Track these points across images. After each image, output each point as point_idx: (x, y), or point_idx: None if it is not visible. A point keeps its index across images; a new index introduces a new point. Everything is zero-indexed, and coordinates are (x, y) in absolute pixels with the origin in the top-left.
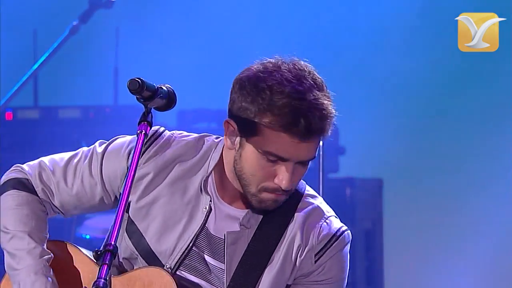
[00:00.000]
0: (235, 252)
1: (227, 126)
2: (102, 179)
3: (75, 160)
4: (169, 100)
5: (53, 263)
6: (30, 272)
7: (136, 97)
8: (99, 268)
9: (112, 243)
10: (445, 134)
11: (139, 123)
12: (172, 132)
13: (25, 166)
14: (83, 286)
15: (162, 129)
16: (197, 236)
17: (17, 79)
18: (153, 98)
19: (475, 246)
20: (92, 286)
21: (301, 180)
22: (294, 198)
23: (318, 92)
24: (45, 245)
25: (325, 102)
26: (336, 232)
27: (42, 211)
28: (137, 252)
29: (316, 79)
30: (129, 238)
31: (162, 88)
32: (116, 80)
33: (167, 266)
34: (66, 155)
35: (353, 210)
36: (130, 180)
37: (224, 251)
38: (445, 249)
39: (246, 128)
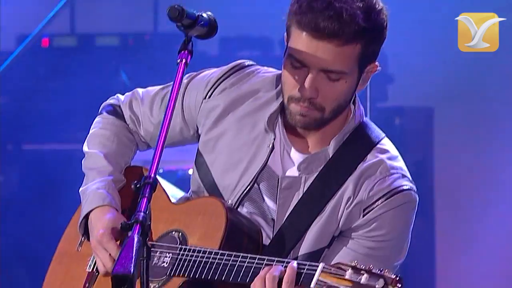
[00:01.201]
0: (288, 197)
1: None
2: (182, 109)
3: (164, 91)
4: (210, 28)
5: (126, 187)
6: (94, 188)
7: (176, 24)
8: (139, 201)
9: (152, 175)
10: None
11: (179, 52)
12: (258, 67)
13: (122, 95)
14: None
15: (248, 62)
16: (259, 174)
17: (53, 5)
18: (194, 26)
19: None
20: (131, 219)
21: (380, 133)
22: (363, 149)
23: (352, 1)
24: (121, 169)
25: (350, 7)
26: (394, 189)
27: (127, 138)
28: (203, 185)
29: (367, 2)
30: (197, 170)
31: (203, 16)
32: (156, 6)
33: (229, 202)
34: (160, 86)
35: (403, 141)
36: (171, 108)
37: (277, 194)
38: None
39: (287, 34)
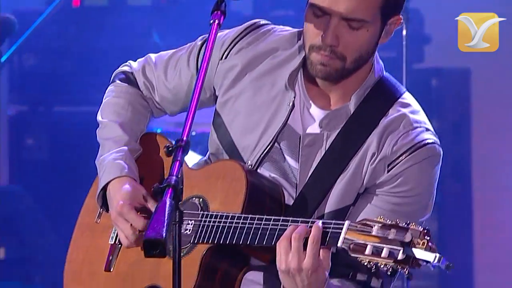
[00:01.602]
0: (310, 155)
1: None
2: (197, 70)
3: (178, 54)
4: None
5: (142, 156)
6: (111, 158)
7: None
8: (171, 165)
9: (184, 138)
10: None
11: (212, 13)
12: (273, 26)
13: (134, 62)
14: (165, 176)
15: (263, 21)
16: (279, 133)
17: None
18: None
19: None
20: (163, 183)
21: (401, 87)
22: (384, 103)
23: None
24: (137, 138)
25: None
26: (418, 142)
27: (141, 105)
28: (221, 147)
29: None
30: (215, 132)
31: None
32: None
33: (249, 163)
34: (173, 50)
35: (440, 102)
36: (203, 72)
37: (299, 152)
38: None
39: None
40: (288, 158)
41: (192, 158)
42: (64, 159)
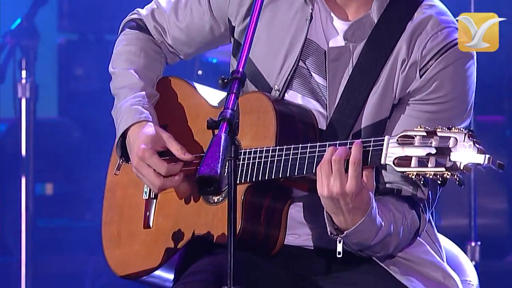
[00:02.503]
0: (338, 70)
1: None
2: (209, 6)
3: None
4: None
5: (160, 101)
6: (127, 105)
7: None
8: (226, 97)
9: (240, 69)
10: None
11: None
12: None
13: (142, 9)
14: (187, 124)
15: None
16: (302, 50)
17: None
18: None
19: None
20: (218, 117)
21: None
22: (409, 7)
23: None
24: (153, 84)
25: None
26: (448, 43)
27: (154, 51)
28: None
29: None
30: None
31: None
32: None
33: (276, 88)
34: None
35: None
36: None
37: (326, 68)
38: None
39: None
40: (315, 76)
41: (214, 95)
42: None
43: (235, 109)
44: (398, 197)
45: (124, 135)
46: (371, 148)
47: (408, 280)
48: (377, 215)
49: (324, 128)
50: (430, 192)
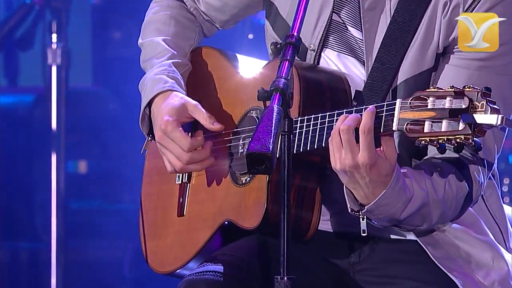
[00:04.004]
0: (374, 20)
1: None
2: None
3: None
4: None
5: (193, 72)
6: (152, 75)
7: None
8: (279, 65)
9: (294, 34)
10: None
11: None
12: None
13: None
14: (217, 94)
15: None
16: (334, 1)
17: None
18: None
19: None
20: (271, 87)
21: None
22: None
23: None
24: (184, 53)
25: None
26: None
27: (186, 18)
28: (278, 38)
29: None
30: (271, 26)
31: None
32: None
33: (311, 48)
34: None
35: None
36: None
37: (361, 19)
38: None
39: None
40: (351, 29)
41: (253, 65)
42: None
43: (289, 78)
44: (443, 160)
45: (150, 108)
46: (383, 114)
47: (447, 267)
48: (405, 185)
49: (362, 88)
50: (485, 151)
